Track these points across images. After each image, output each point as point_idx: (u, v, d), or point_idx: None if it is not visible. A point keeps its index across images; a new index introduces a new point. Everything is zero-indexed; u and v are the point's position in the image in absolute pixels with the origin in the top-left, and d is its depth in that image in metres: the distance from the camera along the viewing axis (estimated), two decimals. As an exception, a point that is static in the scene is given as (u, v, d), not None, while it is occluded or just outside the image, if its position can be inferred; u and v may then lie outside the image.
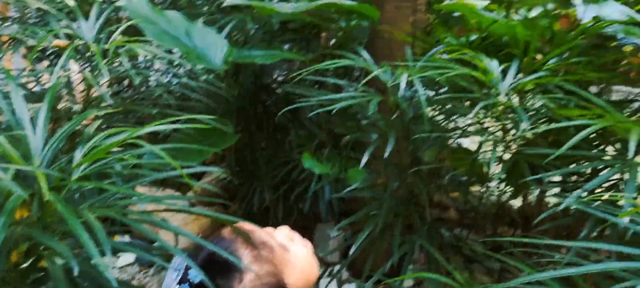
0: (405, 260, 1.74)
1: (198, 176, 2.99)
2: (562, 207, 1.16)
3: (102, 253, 0.63)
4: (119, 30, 1.74)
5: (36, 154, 0.81)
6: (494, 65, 1.44)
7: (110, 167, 0.92)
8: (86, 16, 1.81)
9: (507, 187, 2.56)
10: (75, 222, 0.63)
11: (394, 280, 1.30)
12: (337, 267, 2.78)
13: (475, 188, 2.77)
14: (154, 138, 2.65)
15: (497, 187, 2.62)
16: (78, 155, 0.88)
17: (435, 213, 3.15)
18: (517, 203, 3.00)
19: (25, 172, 0.79)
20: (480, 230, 2.87)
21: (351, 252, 1.62)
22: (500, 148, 1.59)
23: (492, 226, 3.08)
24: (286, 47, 2.62)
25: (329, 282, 2.77)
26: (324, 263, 2.93)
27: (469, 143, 2.85)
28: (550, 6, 1.87)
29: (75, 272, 0.59)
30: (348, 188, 1.76)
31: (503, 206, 2.77)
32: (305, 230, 2.96)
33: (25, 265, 0.82)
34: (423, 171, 1.76)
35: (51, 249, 0.80)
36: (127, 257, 2.96)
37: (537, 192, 2.13)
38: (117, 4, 2.09)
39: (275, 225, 1.00)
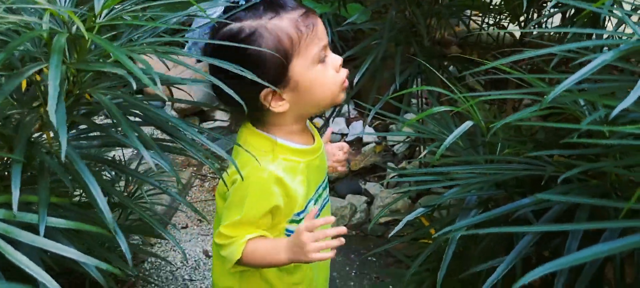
0: (407, 87, 1.87)
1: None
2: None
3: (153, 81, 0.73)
4: None
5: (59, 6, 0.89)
6: None
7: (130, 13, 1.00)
8: None
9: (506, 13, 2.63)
10: (118, 51, 0.73)
11: (391, 96, 1.43)
12: (344, 106, 2.94)
13: (476, 16, 2.82)
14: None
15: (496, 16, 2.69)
16: (98, 4, 0.95)
17: (437, 49, 3.24)
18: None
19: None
20: (482, 64, 2.97)
21: (355, 80, 1.75)
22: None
23: (494, 58, 3.19)
24: None
25: (333, 117, 2.93)
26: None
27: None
28: None
29: (133, 85, 0.70)
30: (346, 21, 1.84)
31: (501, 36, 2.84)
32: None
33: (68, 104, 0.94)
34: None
35: (94, 88, 0.91)
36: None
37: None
38: None
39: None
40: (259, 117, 1.12)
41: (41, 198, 0.80)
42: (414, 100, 2.49)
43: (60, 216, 0.98)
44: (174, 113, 3.03)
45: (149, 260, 2.33)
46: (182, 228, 2.55)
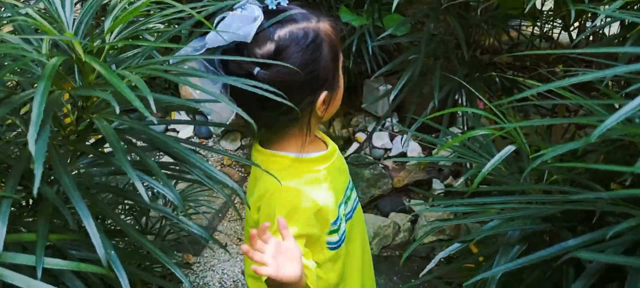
0: (448, 103, 1.75)
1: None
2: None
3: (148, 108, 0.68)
4: None
5: (67, 25, 0.85)
6: None
7: (141, 30, 0.95)
8: None
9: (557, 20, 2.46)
10: (114, 78, 0.68)
11: (429, 117, 1.32)
12: (387, 120, 2.84)
13: (528, 25, 2.67)
14: None
15: (548, 21, 2.52)
16: (108, 23, 0.91)
17: (485, 58, 3.09)
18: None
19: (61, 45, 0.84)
20: (534, 71, 2.81)
21: (391, 98, 1.65)
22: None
23: (548, 66, 3.00)
24: None
25: (375, 130, 2.83)
26: (375, 118, 2.99)
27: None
28: None
29: (117, 110, 0.64)
30: (382, 35, 1.75)
31: (555, 42, 2.67)
32: (353, 88, 3.00)
33: (80, 128, 0.89)
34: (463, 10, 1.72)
35: (99, 112, 0.86)
36: (187, 131, 3.11)
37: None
38: None
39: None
40: (279, 131, 1.03)
41: (39, 236, 0.75)
42: (459, 114, 2.36)
43: (71, 247, 0.94)
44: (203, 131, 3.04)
45: (189, 279, 2.29)
46: (221, 248, 2.51)
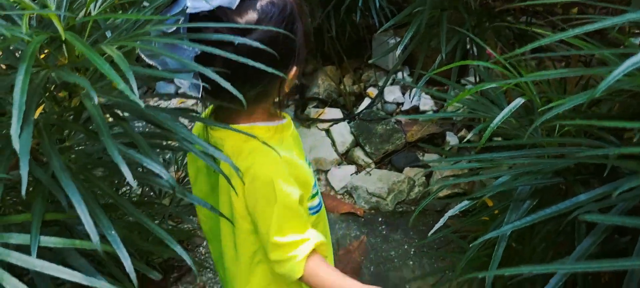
0: (457, 55, 1.71)
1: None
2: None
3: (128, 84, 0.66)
4: None
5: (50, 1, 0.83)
6: None
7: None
8: None
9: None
10: (94, 55, 0.66)
11: (436, 72, 1.29)
12: (399, 74, 2.80)
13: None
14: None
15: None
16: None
17: (498, 4, 3.01)
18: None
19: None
20: (547, 17, 2.72)
21: (398, 52, 1.61)
22: None
23: (562, 9, 2.91)
24: None
25: (386, 85, 2.80)
26: (385, 72, 2.95)
27: None
28: None
29: (95, 101, 0.63)
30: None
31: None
32: (362, 42, 2.94)
33: (74, 105, 0.88)
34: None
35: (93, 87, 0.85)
36: (168, 88, 3.07)
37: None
38: None
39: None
40: (250, 105, 0.97)
41: (34, 215, 0.74)
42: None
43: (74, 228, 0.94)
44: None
45: (205, 244, 2.32)
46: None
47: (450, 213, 1.07)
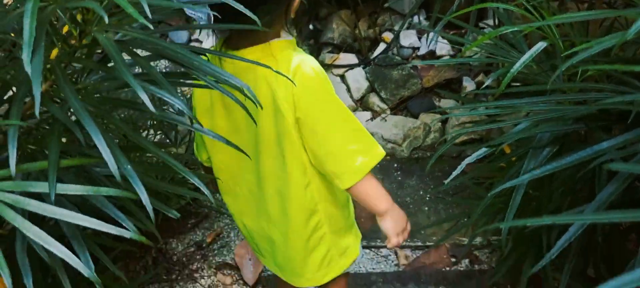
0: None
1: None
2: None
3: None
4: None
5: None
6: None
7: None
8: None
9: None
10: None
11: (454, 15, 1.25)
12: (415, 18, 2.73)
13: None
14: None
15: None
16: None
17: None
18: None
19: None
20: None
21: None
22: None
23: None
24: None
25: (402, 29, 2.74)
26: (401, 16, 2.88)
27: None
28: None
29: (106, 19, 0.61)
30: None
31: None
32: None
33: (85, 43, 0.86)
34: None
35: (102, 25, 0.83)
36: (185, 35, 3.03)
37: None
38: None
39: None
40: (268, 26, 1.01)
41: (51, 161, 0.74)
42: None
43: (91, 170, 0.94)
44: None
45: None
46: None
47: (467, 160, 1.06)
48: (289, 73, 0.97)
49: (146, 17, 0.62)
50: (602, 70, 1.08)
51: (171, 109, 1.17)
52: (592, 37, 1.32)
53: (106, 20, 0.60)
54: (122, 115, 1.12)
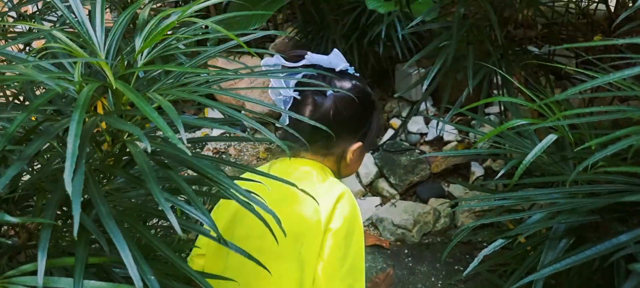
0: (483, 89, 1.71)
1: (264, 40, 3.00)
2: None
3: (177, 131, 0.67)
4: None
5: (99, 47, 0.85)
6: None
7: (172, 49, 0.95)
8: None
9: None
10: (144, 104, 0.68)
11: (464, 109, 1.29)
12: (422, 105, 2.80)
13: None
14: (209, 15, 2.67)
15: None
16: (138, 42, 0.91)
17: (520, 33, 3.01)
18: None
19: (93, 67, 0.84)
20: (570, 42, 2.71)
21: (424, 87, 1.62)
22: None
23: (585, 37, 2.90)
24: None
25: (410, 116, 2.79)
26: (409, 103, 2.95)
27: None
28: None
29: (148, 148, 0.64)
30: (413, 22, 1.71)
31: (589, 13, 2.57)
32: (384, 74, 2.96)
33: (115, 150, 0.90)
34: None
35: (131, 135, 0.87)
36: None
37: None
38: None
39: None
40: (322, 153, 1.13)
41: (78, 261, 0.75)
42: (496, 92, 2.30)
43: (110, 269, 0.95)
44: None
45: None
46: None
47: (485, 252, 1.06)
48: (331, 205, 1.03)
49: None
50: (614, 163, 1.10)
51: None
52: (599, 128, 1.35)
53: (149, 149, 0.63)
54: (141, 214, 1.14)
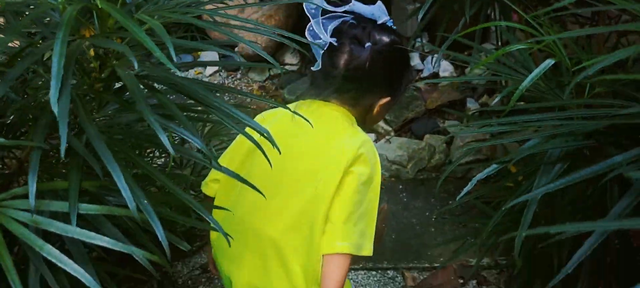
0: (480, 18, 1.67)
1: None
2: None
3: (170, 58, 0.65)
4: None
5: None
6: None
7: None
8: None
9: None
10: (131, 23, 0.65)
11: (460, 34, 1.26)
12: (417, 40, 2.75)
13: None
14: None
15: None
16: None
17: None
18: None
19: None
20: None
21: (419, 17, 1.59)
22: None
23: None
24: None
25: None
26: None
27: None
28: None
29: (135, 66, 0.62)
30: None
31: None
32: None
33: (104, 76, 0.88)
34: None
35: (122, 61, 0.84)
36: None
37: None
38: None
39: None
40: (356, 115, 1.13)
41: (71, 185, 0.75)
42: (493, 28, 2.26)
43: (107, 193, 0.95)
44: (241, 58, 2.93)
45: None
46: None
47: (478, 177, 1.06)
48: (355, 149, 1.03)
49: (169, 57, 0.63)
50: (609, 87, 1.09)
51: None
52: (596, 53, 1.33)
53: (136, 66, 0.61)
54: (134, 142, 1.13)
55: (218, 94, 0.82)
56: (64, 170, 0.89)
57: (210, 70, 3.05)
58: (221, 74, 3.05)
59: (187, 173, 2.01)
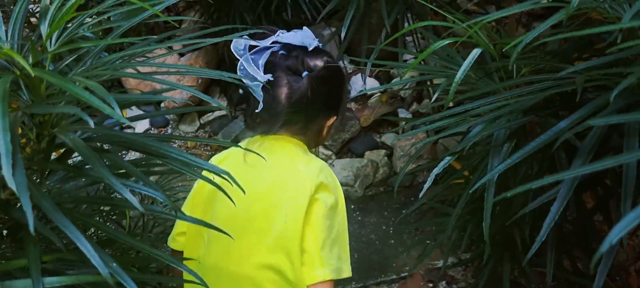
0: (399, 29, 1.74)
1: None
2: None
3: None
4: None
5: (2, 40, 0.79)
6: None
7: (84, 27, 0.89)
8: None
9: None
10: (70, 85, 0.62)
11: (385, 43, 1.30)
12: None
13: None
14: None
15: None
16: (44, 28, 0.85)
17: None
18: None
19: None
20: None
21: (343, 37, 1.62)
22: None
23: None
24: None
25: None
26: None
27: None
28: None
29: (91, 125, 0.59)
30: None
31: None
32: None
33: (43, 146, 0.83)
34: None
35: (62, 126, 0.80)
36: (143, 124, 3.01)
37: None
38: None
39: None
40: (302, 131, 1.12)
41: (31, 260, 0.70)
42: (409, 38, 2.34)
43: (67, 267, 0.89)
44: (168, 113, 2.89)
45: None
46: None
47: (435, 171, 1.09)
48: (315, 177, 1.03)
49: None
50: (534, 68, 1.15)
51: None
52: (510, 36, 1.40)
53: (91, 124, 0.58)
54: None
55: (174, 144, 0.79)
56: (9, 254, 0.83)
57: (140, 128, 2.98)
58: (151, 131, 2.98)
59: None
